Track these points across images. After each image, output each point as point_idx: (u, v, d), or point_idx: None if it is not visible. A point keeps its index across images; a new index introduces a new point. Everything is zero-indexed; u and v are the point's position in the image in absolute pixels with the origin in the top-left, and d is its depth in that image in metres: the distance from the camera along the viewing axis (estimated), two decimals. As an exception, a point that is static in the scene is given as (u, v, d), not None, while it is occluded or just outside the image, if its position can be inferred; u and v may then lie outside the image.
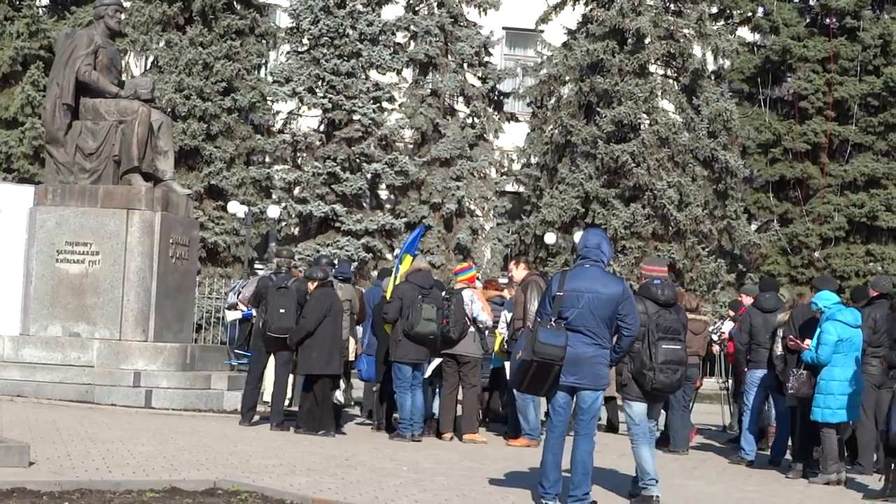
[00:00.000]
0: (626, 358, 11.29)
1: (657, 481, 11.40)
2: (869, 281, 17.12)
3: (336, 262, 19.15)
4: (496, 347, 17.28)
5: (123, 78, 21.09)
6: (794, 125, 42.29)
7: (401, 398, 15.95)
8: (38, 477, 10.17)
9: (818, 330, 13.92)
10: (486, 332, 16.74)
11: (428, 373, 16.14)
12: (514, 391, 14.60)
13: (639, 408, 11.56)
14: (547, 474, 10.52)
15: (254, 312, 17.27)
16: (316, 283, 15.98)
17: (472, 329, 16.22)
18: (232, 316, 17.70)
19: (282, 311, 15.89)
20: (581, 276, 10.50)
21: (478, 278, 18.72)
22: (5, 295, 19.07)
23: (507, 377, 15.44)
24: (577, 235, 36.99)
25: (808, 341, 13.97)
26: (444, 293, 16.24)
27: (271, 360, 16.55)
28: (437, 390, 16.68)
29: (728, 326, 18.95)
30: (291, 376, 16.87)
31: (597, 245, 10.67)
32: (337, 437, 15.63)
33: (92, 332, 18.45)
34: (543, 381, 10.42)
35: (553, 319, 10.35)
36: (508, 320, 16.38)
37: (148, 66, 40.56)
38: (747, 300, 17.89)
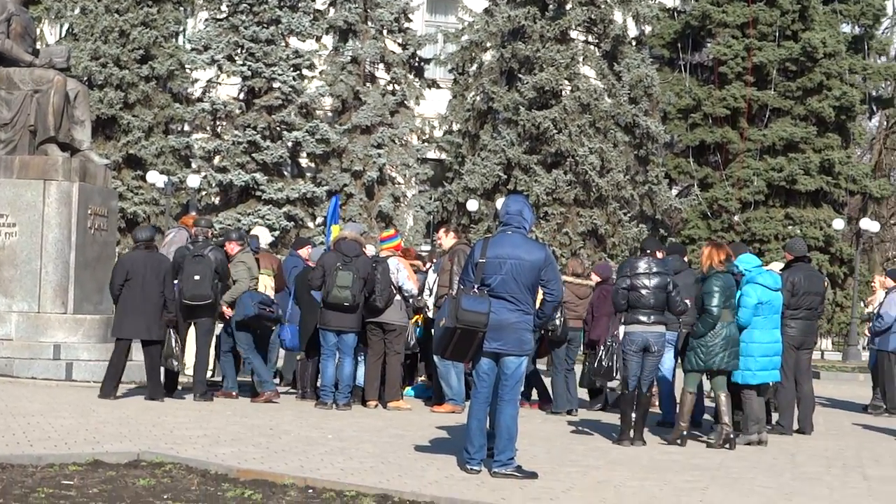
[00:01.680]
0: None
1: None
2: (784, 245, 17.29)
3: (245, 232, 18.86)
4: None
5: (38, 46, 20.76)
6: (713, 90, 42.63)
7: (323, 364, 15.94)
8: (-44, 452, 10.03)
9: (738, 293, 14.02)
10: (411, 301, 16.72)
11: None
12: (437, 358, 14.64)
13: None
14: (472, 440, 10.53)
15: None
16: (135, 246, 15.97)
17: (397, 297, 16.20)
18: None
19: (196, 277, 15.74)
20: (503, 243, 10.47)
21: (404, 248, 18.67)
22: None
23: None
24: (500, 202, 37.08)
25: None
26: (371, 261, 16.20)
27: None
28: (362, 359, 16.65)
29: None
30: (214, 345, 16.77)
31: (518, 211, 10.64)
32: (262, 406, 15.55)
33: (10, 306, 18.18)
34: (467, 348, 10.42)
35: (476, 286, 10.33)
36: (432, 286, 16.38)
37: (63, 34, 40.06)
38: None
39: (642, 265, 13.38)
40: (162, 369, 15.78)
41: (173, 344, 15.59)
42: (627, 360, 13.32)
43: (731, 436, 13.54)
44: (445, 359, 11.04)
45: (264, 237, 18.33)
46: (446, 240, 16.42)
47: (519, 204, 10.76)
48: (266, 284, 17.19)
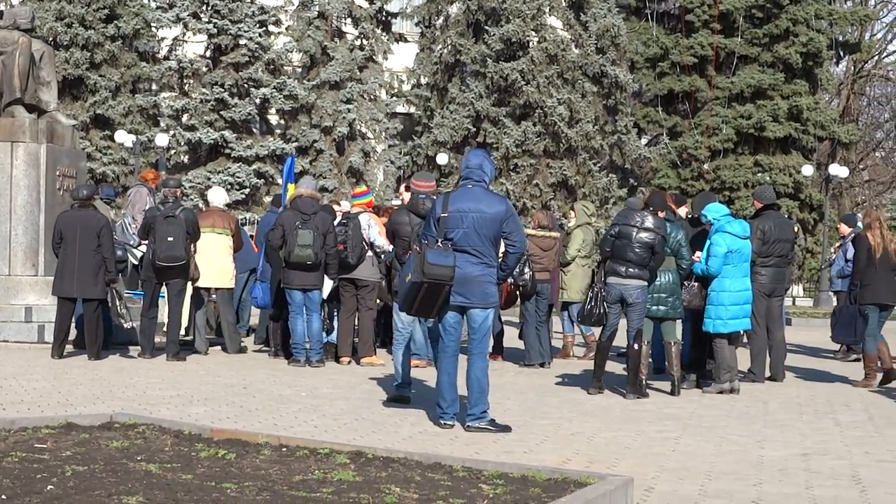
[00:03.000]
0: (399, 266, 11.93)
1: (409, 384, 12.31)
2: (753, 193, 17.32)
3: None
4: None
5: (1, 7, 20.57)
6: (680, 39, 42.62)
7: (292, 323, 15.97)
8: (-71, 418, 10.02)
9: (707, 242, 14.07)
10: (383, 256, 16.74)
11: (325, 294, 16.15)
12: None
13: (405, 315, 11.85)
14: (444, 395, 10.62)
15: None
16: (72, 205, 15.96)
17: (369, 254, 16.20)
18: (139, 253, 17.52)
19: (170, 238, 15.76)
20: (464, 197, 10.54)
21: (376, 205, 18.67)
22: None
23: None
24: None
25: (697, 254, 14.11)
26: (341, 218, 16.20)
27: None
28: (335, 314, 16.67)
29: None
30: (186, 305, 16.78)
31: (478, 165, 10.68)
32: (235, 365, 15.57)
33: (-20, 269, 18.14)
34: (434, 303, 10.47)
35: (440, 240, 10.40)
36: None
37: (27, -5, 39.65)
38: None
39: (636, 218, 13.36)
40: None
41: (117, 302, 15.64)
42: (607, 310, 13.36)
43: (677, 383, 13.68)
44: (411, 315, 11.09)
45: (220, 197, 18.22)
46: (407, 195, 16.46)
47: (479, 158, 10.78)
48: (224, 244, 17.19)
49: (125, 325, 15.86)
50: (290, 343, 16.23)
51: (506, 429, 10.50)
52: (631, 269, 13.27)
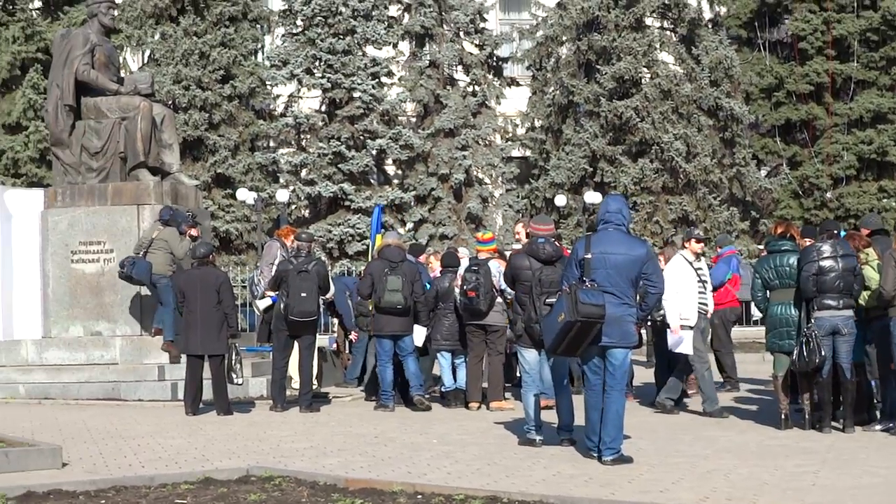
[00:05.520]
0: (520, 310, 12.26)
1: (540, 427, 12.29)
2: (859, 222, 16.99)
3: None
4: None
5: (122, 74, 21.08)
6: (795, 67, 42.14)
7: (380, 371, 16.35)
8: (72, 477, 10.22)
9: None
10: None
11: (419, 342, 16.39)
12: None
13: (531, 356, 12.40)
14: (594, 429, 11.07)
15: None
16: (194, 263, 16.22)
17: (499, 299, 16.23)
18: (263, 304, 17.71)
19: (303, 294, 15.95)
20: (607, 240, 11.04)
21: (499, 250, 18.71)
22: (24, 299, 19.13)
23: None
24: (588, 196, 37.00)
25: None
26: (470, 265, 16.26)
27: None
28: (463, 360, 16.72)
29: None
30: (316, 358, 16.99)
31: (618, 210, 11.21)
32: (366, 415, 15.66)
33: (113, 330, 18.52)
34: (582, 341, 10.91)
35: (588, 281, 10.81)
36: None
37: (145, 61, 40.52)
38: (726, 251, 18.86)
39: (827, 248, 13.22)
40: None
41: (233, 357, 15.78)
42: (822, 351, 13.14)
43: (784, 414, 13.49)
44: (557, 355, 11.51)
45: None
46: (523, 232, 16.62)
47: (618, 203, 11.38)
48: None
49: (236, 381, 15.97)
50: (380, 390, 16.44)
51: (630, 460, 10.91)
52: (843, 300, 13.20)
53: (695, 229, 16.33)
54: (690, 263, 15.16)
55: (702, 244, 15.64)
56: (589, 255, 10.93)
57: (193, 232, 17.98)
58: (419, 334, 16.57)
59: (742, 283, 18.88)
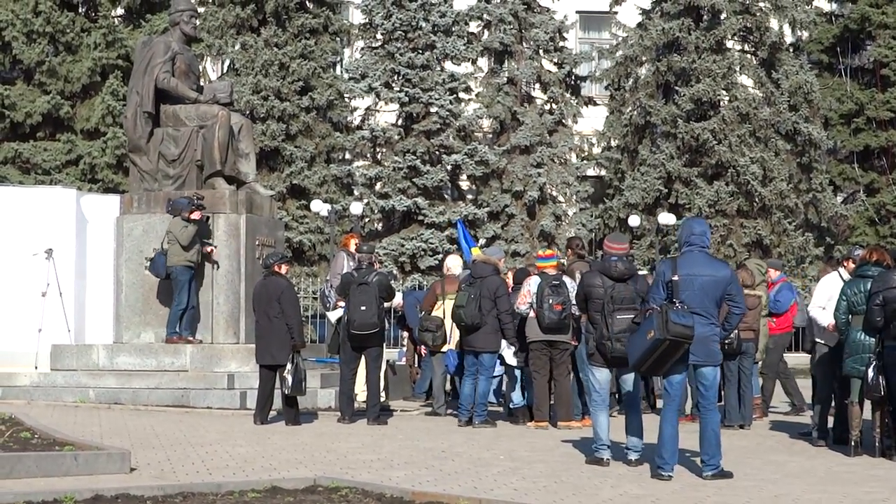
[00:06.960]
0: (592, 328, 12.40)
1: (608, 446, 12.35)
2: None
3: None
4: None
5: (201, 83, 21.25)
6: (876, 93, 41.72)
7: (461, 384, 16.46)
8: (140, 482, 10.30)
9: None
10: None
11: (511, 360, 16.32)
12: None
13: (602, 375, 12.53)
14: (667, 446, 11.30)
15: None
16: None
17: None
18: (335, 315, 17.71)
19: (363, 308, 15.94)
20: (692, 262, 11.41)
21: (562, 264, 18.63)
22: (97, 304, 19.33)
23: None
24: (662, 217, 36.81)
25: None
26: (552, 280, 16.04)
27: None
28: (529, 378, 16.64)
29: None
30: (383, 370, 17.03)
31: (703, 233, 11.63)
32: (433, 430, 15.64)
33: (184, 337, 18.64)
34: (669, 360, 11.21)
35: (678, 302, 11.11)
36: None
37: (225, 70, 40.84)
38: (774, 273, 18.55)
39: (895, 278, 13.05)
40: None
41: (287, 366, 15.68)
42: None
43: (854, 441, 13.30)
44: (641, 372, 11.85)
45: (457, 263, 18.43)
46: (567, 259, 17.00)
47: (702, 226, 11.82)
48: None
49: (285, 391, 15.87)
50: (459, 402, 16.51)
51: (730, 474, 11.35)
52: None
53: (857, 248, 15.99)
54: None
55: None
56: (676, 277, 11.25)
57: (195, 216, 18.04)
58: (508, 352, 16.46)
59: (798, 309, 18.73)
